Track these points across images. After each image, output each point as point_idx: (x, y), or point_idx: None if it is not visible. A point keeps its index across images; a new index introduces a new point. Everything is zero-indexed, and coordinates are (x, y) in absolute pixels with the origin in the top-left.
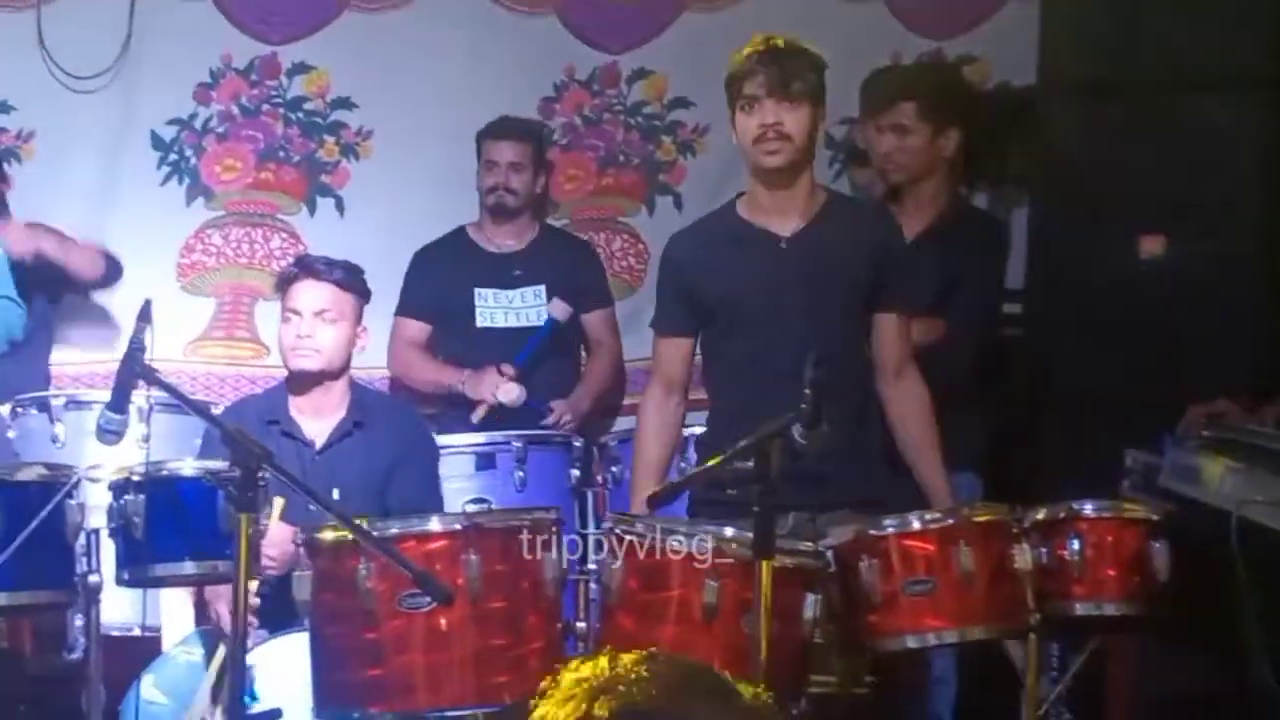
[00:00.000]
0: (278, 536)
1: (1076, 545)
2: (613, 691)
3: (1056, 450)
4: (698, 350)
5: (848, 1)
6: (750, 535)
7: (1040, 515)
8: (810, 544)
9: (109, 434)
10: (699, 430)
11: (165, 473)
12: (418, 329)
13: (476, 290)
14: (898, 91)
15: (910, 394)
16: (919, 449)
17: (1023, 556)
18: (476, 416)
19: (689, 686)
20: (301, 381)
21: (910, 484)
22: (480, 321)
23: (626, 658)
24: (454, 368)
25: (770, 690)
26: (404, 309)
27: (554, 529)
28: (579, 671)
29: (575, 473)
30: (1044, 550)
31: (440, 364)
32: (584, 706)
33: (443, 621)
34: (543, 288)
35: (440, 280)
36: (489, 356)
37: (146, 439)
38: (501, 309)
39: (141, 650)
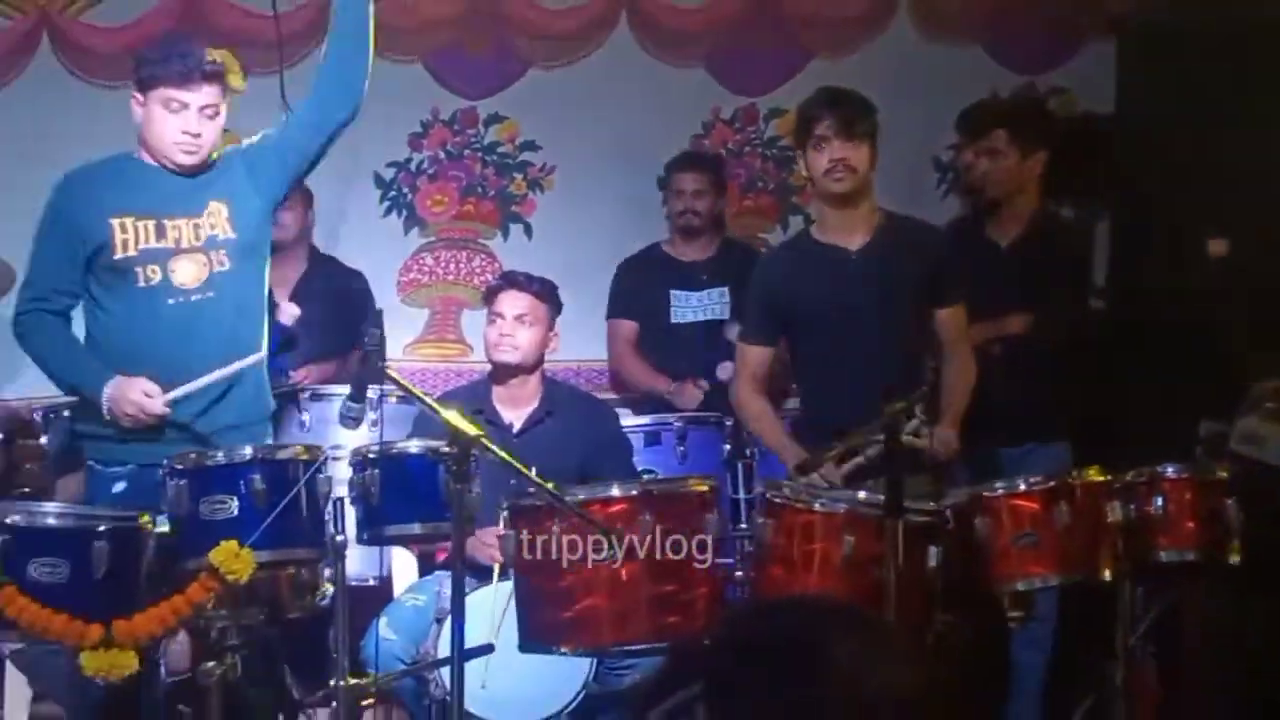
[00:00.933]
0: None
1: (1160, 502)
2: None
3: (1140, 422)
4: None
5: (953, 46)
6: (879, 498)
7: (1128, 477)
8: (933, 503)
9: (350, 420)
10: None
11: (395, 451)
12: (629, 327)
13: (672, 292)
14: (991, 120)
15: (959, 369)
16: (950, 407)
17: (1114, 513)
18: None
19: (831, 620)
20: (502, 374)
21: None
22: (674, 318)
23: (806, 595)
24: (664, 377)
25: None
26: (614, 311)
27: (713, 494)
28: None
29: (727, 447)
30: (1132, 507)
31: (653, 371)
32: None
33: (623, 572)
34: (726, 289)
35: (641, 285)
36: (682, 346)
37: (376, 423)
38: (691, 307)
39: (377, 597)
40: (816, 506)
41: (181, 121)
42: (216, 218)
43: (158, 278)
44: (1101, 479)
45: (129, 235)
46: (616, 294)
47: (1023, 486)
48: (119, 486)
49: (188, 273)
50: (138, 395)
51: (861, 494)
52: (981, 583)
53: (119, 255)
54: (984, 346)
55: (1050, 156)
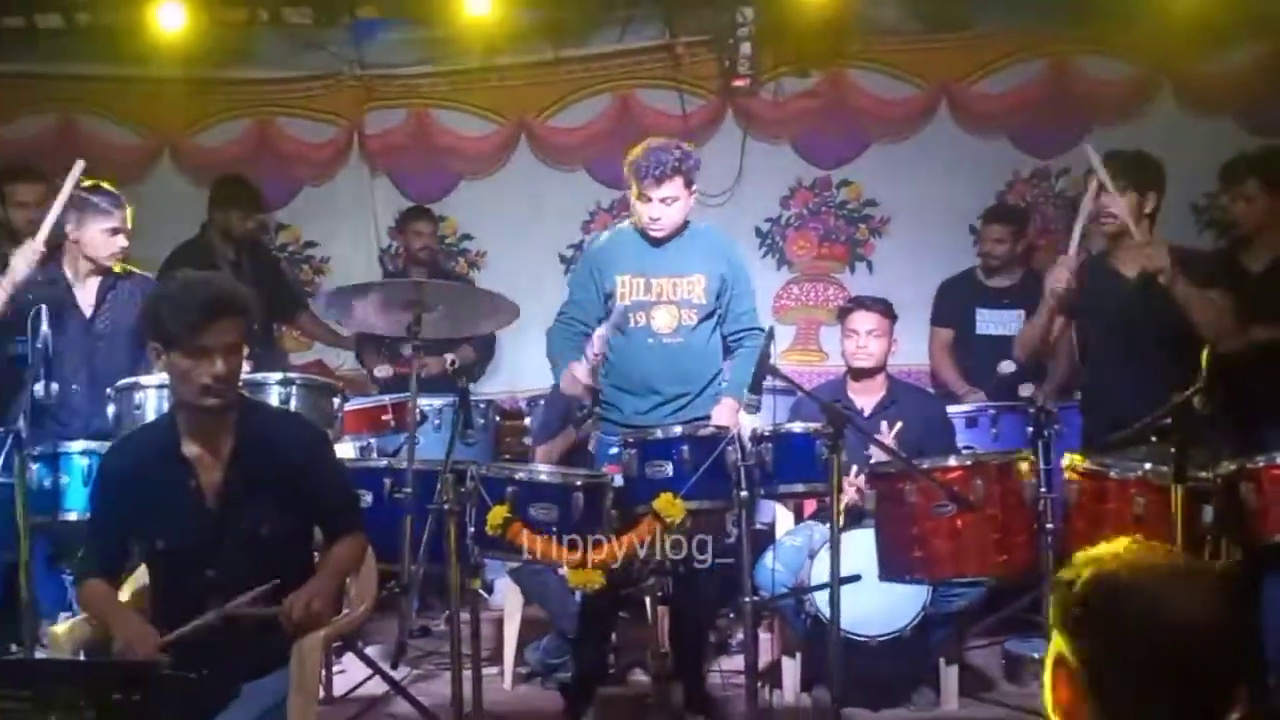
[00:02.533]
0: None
1: None
2: (1097, 562)
3: None
4: None
5: (1207, 117)
6: (1163, 468)
7: None
8: (1206, 473)
9: (752, 408)
10: None
11: (784, 430)
12: (945, 333)
13: (978, 309)
14: (1244, 171)
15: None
16: None
17: None
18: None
19: (1155, 561)
20: (859, 374)
21: None
22: (979, 330)
23: (1120, 542)
24: (962, 381)
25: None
26: (934, 320)
27: (1029, 464)
28: (1086, 552)
29: (1030, 429)
30: None
31: (956, 374)
32: (1079, 571)
33: (959, 522)
34: (1022, 311)
35: (957, 301)
36: (986, 353)
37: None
38: (992, 322)
39: (764, 538)
40: (1112, 474)
41: (647, 209)
42: (695, 284)
43: (643, 322)
44: None
45: (627, 289)
46: (937, 307)
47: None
48: (615, 451)
49: (665, 320)
50: (574, 373)
51: (1148, 465)
52: (1247, 536)
53: (621, 303)
54: (1241, 355)
55: None
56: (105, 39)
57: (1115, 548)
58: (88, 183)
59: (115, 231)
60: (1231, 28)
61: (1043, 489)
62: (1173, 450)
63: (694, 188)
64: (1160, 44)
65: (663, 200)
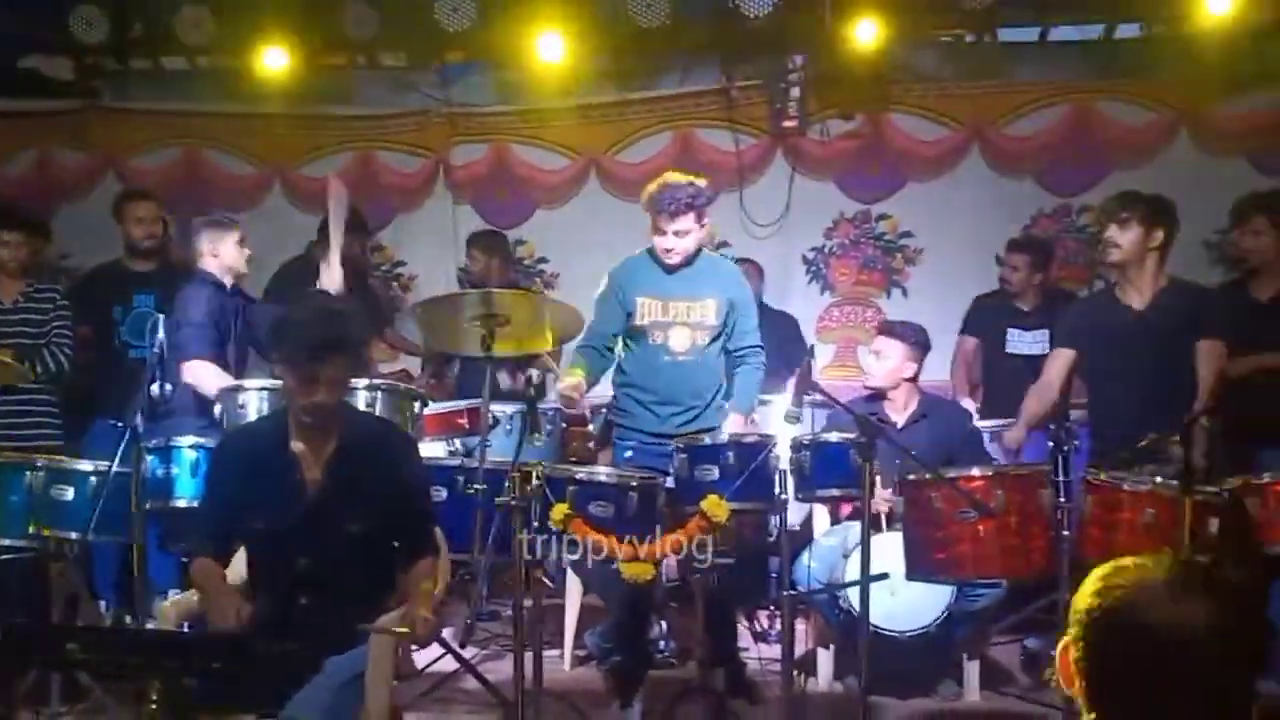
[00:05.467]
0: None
1: None
2: (1103, 593)
3: None
4: None
5: (1220, 159)
6: (1172, 482)
7: None
8: (1214, 487)
9: (793, 418)
10: None
11: (821, 439)
12: (972, 343)
13: (1009, 329)
14: (1254, 209)
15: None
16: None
17: None
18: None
19: (1155, 584)
20: (884, 390)
21: None
22: (1009, 348)
23: (1128, 562)
24: (968, 395)
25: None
26: (964, 329)
27: (1047, 476)
28: (1101, 568)
29: (1050, 443)
30: None
31: (968, 395)
32: (1088, 599)
33: (981, 528)
34: (1047, 332)
35: (987, 318)
36: (1013, 369)
37: (799, 419)
38: (1022, 341)
39: (802, 537)
40: (1125, 486)
41: (662, 241)
42: (707, 308)
43: (660, 340)
44: None
45: (646, 310)
46: (968, 318)
47: None
48: (628, 454)
49: (680, 340)
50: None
51: (1158, 479)
52: (1252, 546)
53: (640, 323)
54: (1248, 376)
55: None
56: (223, 80)
57: (1127, 569)
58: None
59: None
60: (1245, 76)
61: (1061, 499)
62: (1182, 465)
63: (706, 221)
64: (1178, 91)
65: (676, 233)
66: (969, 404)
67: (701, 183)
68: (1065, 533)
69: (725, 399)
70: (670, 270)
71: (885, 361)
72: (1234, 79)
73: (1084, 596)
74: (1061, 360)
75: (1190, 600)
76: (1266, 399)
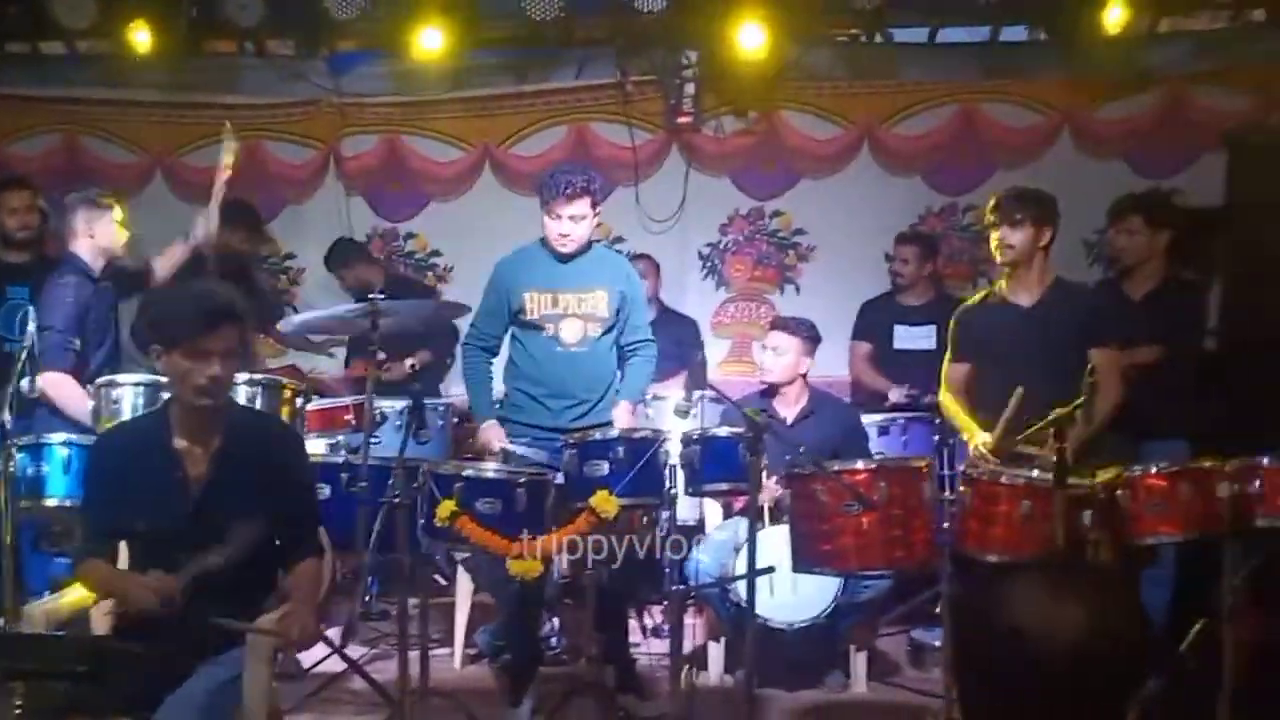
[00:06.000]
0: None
1: (1258, 484)
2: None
3: (1244, 425)
4: None
5: (1099, 161)
6: (1048, 475)
7: (1235, 464)
8: (1086, 480)
9: (683, 413)
10: None
11: (711, 434)
12: (865, 347)
13: (896, 326)
14: (1130, 209)
15: (1103, 397)
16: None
17: (1223, 489)
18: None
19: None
20: (776, 386)
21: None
22: (896, 344)
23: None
24: (884, 379)
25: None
26: (855, 335)
27: (927, 468)
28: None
29: (936, 437)
30: (1237, 485)
31: (877, 376)
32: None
33: (864, 521)
34: (934, 327)
35: (876, 319)
36: (902, 365)
37: (697, 414)
38: (909, 337)
39: (695, 531)
40: (1002, 480)
41: (558, 225)
42: (598, 299)
43: (551, 333)
44: (1212, 465)
45: (535, 304)
46: (858, 324)
47: (1154, 469)
48: (521, 450)
49: (571, 331)
50: (488, 438)
51: (1035, 471)
52: (1123, 538)
53: (529, 317)
54: (1122, 371)
55: (1176, 235)
56: (104, 65)
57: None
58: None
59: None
60: (1123, 81)
61: (946, 492)
62: (1054, 459)
63: (599, 209)
64: (1061, 94)
65: (570, 218)
66: (901, 393)
67: (593, 171)
68: (945, 525)
69: (617, 391)
70: (562, 260)
71: (784, 357)
72: (1112, 84)
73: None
74: (959, 372)
75: (1066, 601)
76: (1142, 393)
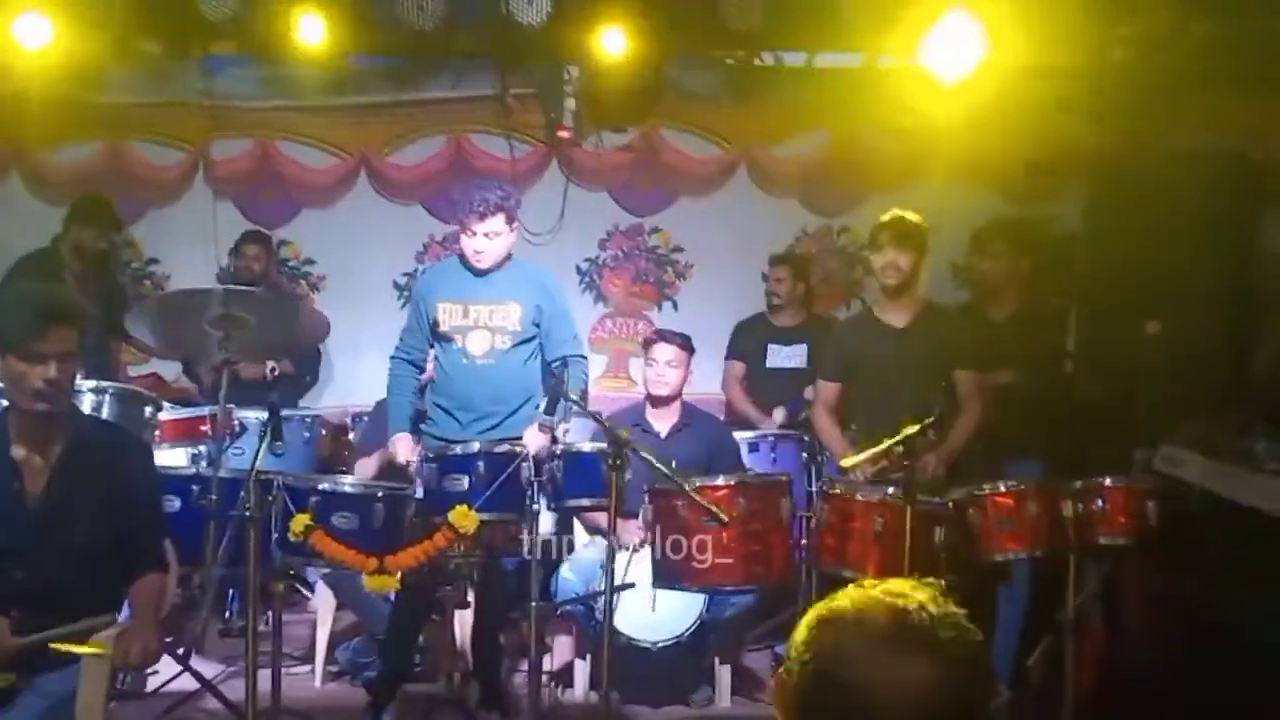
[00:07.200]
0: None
1: (1100, 503)
2: (817, 642)
3: (1092, 447)
4: None
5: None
6: (901, 492)
7: (1079, 484)
8: (939, 497)
9: (547, 429)
10: None
11: (574, 449)
12: (739, 366)
13: (769, 345)
14: (994, 236)
15: (966, 417)
16: (945, 443)
17: (1068, 508)
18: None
19: (872, 636)
20: (657, 401)
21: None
22: (769, 363)
23: (846, 603)
24: (758, 410)
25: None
26: (729, 355)
27: (788, 486)
28: (819, 609)
29: (804, 455)
30: (1081, 504)
31: (751, 405)
32: (802, 646)
33: (724, 535)
34: (804, 347)
35: (748, 338)
36: (775, 383)
37: (566, 430)
38: (780, 355)
39: (560, 549)
40: (858, 496)
41: (471, 243)
42: (510, 312)
43: (460, 344)
44: (1059, 485)
45: (446, 315)
46: (732, 344)
47: (1002, 488)
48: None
49: (478, 344)
50: (396, 449)
51: (890, 489)
52: (974, 554)
53: (442, 328)
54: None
55: (1036, 263)
56: None
57: (845, 613)
58: None
59: None
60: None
61: (813, 509)
62: (901, 475)
63: (515, 224)
64: (928, 122)
65: (485, 235)
66: (771, 425)
67: (511, 187)
68: (804, 541)
69: (536, 408)
70: (478, 274)
71: (678, 370)
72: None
73: (800, 638)
74: (830, 390)
75: (909, 656)
76: (1004, 413)
